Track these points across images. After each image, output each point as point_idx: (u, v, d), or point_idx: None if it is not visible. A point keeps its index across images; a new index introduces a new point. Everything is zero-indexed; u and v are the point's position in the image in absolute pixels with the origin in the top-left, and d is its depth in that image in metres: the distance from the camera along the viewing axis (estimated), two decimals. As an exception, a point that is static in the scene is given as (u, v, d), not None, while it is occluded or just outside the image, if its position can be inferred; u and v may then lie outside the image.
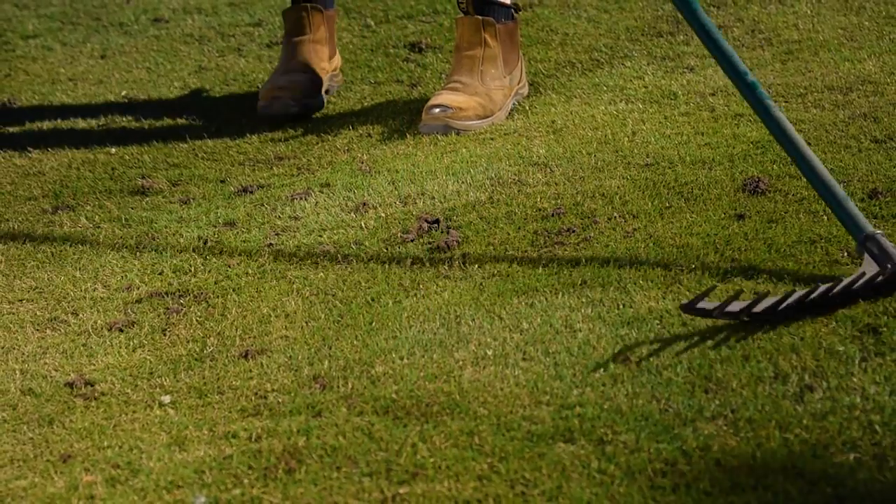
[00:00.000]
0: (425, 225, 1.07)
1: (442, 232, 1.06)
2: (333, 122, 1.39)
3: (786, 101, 1.26)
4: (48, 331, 0.97)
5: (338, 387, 0.83)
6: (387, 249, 1.04)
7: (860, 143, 1.13)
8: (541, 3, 1.66)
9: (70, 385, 0.88)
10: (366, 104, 1.44)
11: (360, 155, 1.27)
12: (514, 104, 1.34)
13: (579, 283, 0.93)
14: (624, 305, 0.88)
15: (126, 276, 1.06)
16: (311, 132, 1.36)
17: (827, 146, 1.14)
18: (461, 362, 0.84)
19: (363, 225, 1.10)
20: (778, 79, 1.33)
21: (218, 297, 0.99)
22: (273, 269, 1.04)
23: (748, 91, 0.89)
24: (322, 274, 1.01)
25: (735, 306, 0.82)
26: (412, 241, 1.05)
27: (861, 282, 0.83)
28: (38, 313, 1.00)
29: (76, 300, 1.02)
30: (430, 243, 1.04)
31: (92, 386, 0.88)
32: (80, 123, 1.47)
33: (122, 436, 0.80)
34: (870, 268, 0.85)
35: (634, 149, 1.18)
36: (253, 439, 0.78)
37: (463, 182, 1.16)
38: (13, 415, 0.85)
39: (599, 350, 0.83)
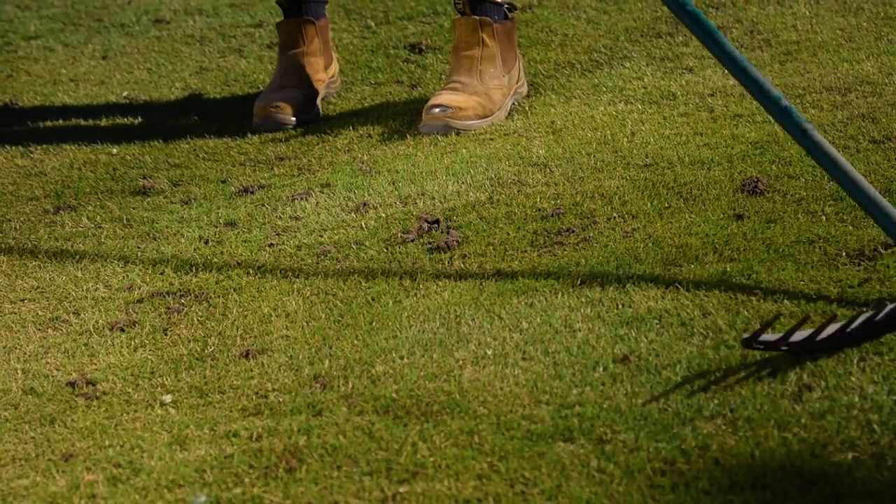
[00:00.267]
0: (425, 225, 1.07)
1: (442, 232, 1.06)
2: (334, 122, 1.39)
3: (785, 102, 1.27)
4: (50, 330, 0.98)
5: (338, 386, 0.83)
6: (387, 249, 1.04)
7: (858, 143, 1.14)
8: (540, 4, 1.66)
9: (72, 384, 0.88)
10: (366, 105, 1.44)
11: (360, 155, 1.28)
12: (513, 104, 1.35)
13: (579, 282, 0.93)
14: (623, 305, 0.88)
15: (127, 275, 1.06)
16: (312, 133, 1.37)
17: (825, 147, 1.14)
18: (461, 362, 0.84)
19: (363, 225, 1.10)
20: (777, 80, 1.33)
21: (219, 296, 1.00)
22: (274, 268, 1.04)
23: (784, 117, 0.88)
24: (323, 274, 1.01)
25: (798, 336, 0.78)
26: (412, 241, 1.05)
27: None
28: (39, 313, 1.01)
29: (78, 300, 1.02)
30: (430, 243, 1.04)
31: (93, 385, 0.88)
32: (82, 124, 1.47)
33: (124, 435, 0.81)
34: None
35: (633, 149, 1.19)
36: (254, 438, 0.78)
37: (463, 182, 1.16)
38: (15, 414, 0.85)
39: (599, 349, 0.83)
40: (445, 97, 1.29)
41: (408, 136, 1.31)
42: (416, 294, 0.95)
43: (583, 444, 0.74)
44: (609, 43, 1.50)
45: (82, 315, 0.99)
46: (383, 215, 1.11)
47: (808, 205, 1.02)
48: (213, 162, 1.32)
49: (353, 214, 1.13)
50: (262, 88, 1.50)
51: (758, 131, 1.19)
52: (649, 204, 1.06)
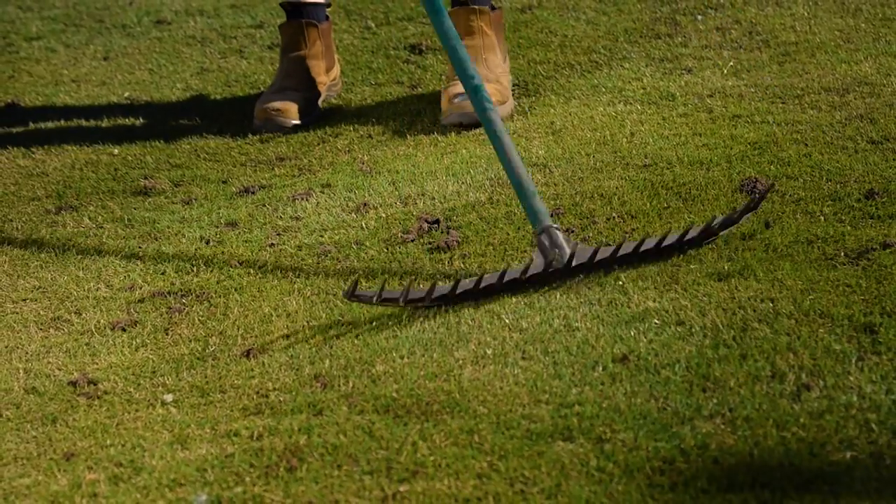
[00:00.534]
0: (425, 225, 1.08)
1: (442, 232, 1.07)
2: (334, 123, 1.39)
3: (783, 103, 1.27)
4: (51, 330, 0.98)
5: (339, 385, 0.83)
6: (387, 249, 1.05)
7: (857, 143, 1.14)
8: (540, 5, 1.67)
9: (73, 384, 0.89)
10: (366, 105, 1.44)
11: (360, 156, 1.28)
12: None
13: (578, 282, 0.93)
14: (622, 305, 0.88)
15: (129, 275, 1.06)
16: (312, 133, 1.37)
17: (824, 147, 1.14)
18: (461, 361, 0.84)
19: (364, 225, 1.10)
20: (775, 80, 1.33)
21: (220, 296, 1.00)
22: (274, 268, 1.04)
23: (473, 93, 0.94)
24: (323, 274, 1.02)
25: (394, 294, 0.88)
26: (412, 241, 1.06)
27: (529, 272, 0.89)
28: (41, 313, 1.01)
29: (79, 300, 1.02)
30: (430, 243, 1.04)
31: (95, 385, 0.88)
32: (84, 124, 1.47)
33: (125, 434, 0.81)
34: (538, 259, 0.91)
35: (633, 150, 1.19)
36: (254, 438, 0.78)
37: (463, 183, 1.17)
38: (17, 413, 0.86)
39: (598, 349, 0.84)
40: None
41: (408, 137, 1.31)
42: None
43: (582, 444, 0.74)
44: (608, 44, 1.51)
45: (84, 315, 0.99)
46: (383, 215, 1.12)
47: (806, 205, 1.02)
48: (214, 162, 1.32)
49: (353, 214, 1.13)
50: (262, 89, 1.50)
51: (756, 132, 1.20)
52: (648, 204, 1.06)
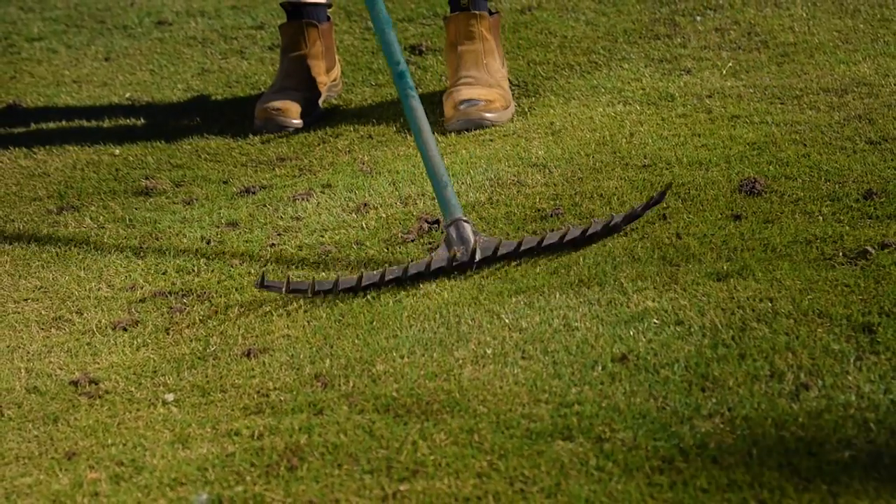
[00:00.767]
0: (425, 225, 1.08)
1: (442, 232, 1.07)
2: (335, 123, 1.40)
3: (782, 103, 1.27)
4: (53, 330, 0.98)
5: (339, 385, 0.84)
6: (387, 249, 1.05)
7: (855, 144, 1.14)
8: (539, 6, 1.67)
9: (74, 383, 0.89)
10: (367, 106, 1.44)
11: (361, 156, 1.28)
12: None
13: (577, 282, 0.93)
14: (621, 305, 0.89)
15: (130, 275, 1.06)
16: (313, 134, 1.37)
17: (822, 147, 1.15)
18: (461, 361, 0.85)
19: (364, 225, 1.11)
20: (774, 81, 1.34)
21: (221, 296, 1.00)
22: (275, 268, 1.04)
23: (398, 79, 0.95)
24: (324, 273, 1.02)
25: (302, 284, 0.91)
26: (412, 241, 1.06)
27: (434, 265, 0.92)
28: (43, 312, 1.01)
29: (81, 300, 1.03)
30: (430, 243, 1.05)
31: (96, 384, 0.89)
32: (85, 125, 1.48)
33: (126, 433, 0.81)
34: (443, 251, 0.93)
35: (632, 150, 1.19)
36: (255, 437, 0.79)
37: (463, 183, 1.17)
38: (18, 413, 0.86)
39: (597, 349, 0.84)
40: (470, 91, 1.29)
41: (408, 137, 1.31)
42: (416, 293, 0.96)
43: (582, 443, 0.74)
44: (608, 44, 1.51)
45: (85, 314, 1.00)
46: (384, 215, 1.12)
47: (805, 205, 1.02)
48: (215, 163, 1.32)
49: (353, 215, 1.14)
50: (263, 90, 1.51)
51: (755, 132, 1.20)
52: (648, 204, 1.07)
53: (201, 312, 0.98)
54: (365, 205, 1.15)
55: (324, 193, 1.19)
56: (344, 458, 0.75)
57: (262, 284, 0.90)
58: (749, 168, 1.11)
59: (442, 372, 0.83)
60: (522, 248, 0.93)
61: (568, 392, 0.79)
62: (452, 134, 1.31)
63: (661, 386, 0.79)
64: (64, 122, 1.49)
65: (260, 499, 0.72)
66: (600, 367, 0.82)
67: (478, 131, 1.30)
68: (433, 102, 1.41)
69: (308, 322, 0.94)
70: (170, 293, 1.02)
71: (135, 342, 0.94)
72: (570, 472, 0.71)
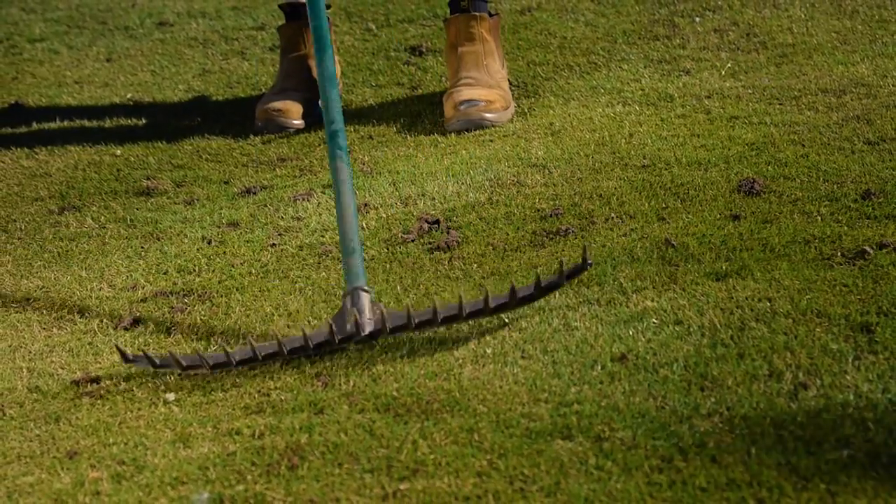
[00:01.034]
0: (426, 225, 1.08)
1: (442, 232, 1.07)
2: (335, 124, 1.41)
3: (780, 104, 1.27)
4: (55, 329, 0.98)
5: (339, 384, 0.84)
6: (388, 249, 1.05)
7: (853, 144, 1.14)
8: (539, 7, 1.67)
9: (76, 383, 0.89)
10: (367, 106, 1.45)
11: (361, 156, 1.28)
12: None
13: (577, 282, 0.94)
14: (621, 304, 0.89)
15: (131, 275, 1.07)
16: (313, 134, 1.37)
17: (821, 148, 1.15)
18: (461, 360, 0.85)
19: (364, 225, 1.11)
20: (773, 81, 1.34)
21: (222, 296, 1.00)
22: (276, 268, 1.05)
23: (329, 138, 0.90)
24: (324, 273, 1.02)
25: (170, 361, 0.84)
26: (413, 241, 1.06)
27: (312, 340, 0.85)
28: (44, 312, 1.02)
29: (82, 299, 1.03)
30: (430, 243, 1.05)
31: (98, 384, 0.89)
32: (86, 125, 1.48)
33: (128, 433, 0.81)
34: (339, 320, 0.85)
35: (631, 150, 1.20)
36: (256, 436, 0.79)
37: (463, 183, 1.17)
38: (20, 412, 0.86)
39: (597, 348, 0.84)
40: (470, 92, 1.29)
41: (408, 138, 1.32)
42: (416, 293, 0.96)
43: (581, 442, 0.74)
44: (607, 45, 1.51)
45: (86, 314, 1.00)
46: (384, 216, 1.12)
47: (803, 205, 1.02)
48: (216, 163, 1.32)
49: (354, 215, 1.14)
50: (264, 90, 1.51)
51: (754, 133, 1.20)
52: (647, 204, 1.07)
53: (202, 312, 0.98)
54: (365, 205, 1.15)
55: (324, 193, 1.19)
56: (344, 458, 0.75)
57: (126, 360, 0.85)
58: (748, 168, 1.12)
59: (442, 371, 0.84)
60: (416, 321, 0.84)
61: (567, 391, 0.80)
62: (452, 134, 1.31)
63: (661, 385, 0.79)
64: (65, 123, 1.49)
65: (261, 498, 0.73)
66: (600, 367, 0.82)
67: (478, 132, 1.31)
68: (433, 103, 1.42)
69: (309, 321, 0.94)
70: (171, 293, 1.02)
71: (136, 342, 0.95)
72: (569, 471, 0.72)
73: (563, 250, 1.00)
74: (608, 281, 0.93)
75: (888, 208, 1.00)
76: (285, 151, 1.33)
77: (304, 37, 1.42)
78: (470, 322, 0.86)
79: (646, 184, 1.11)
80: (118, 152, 1.39)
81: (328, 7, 1.49)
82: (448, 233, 1.07)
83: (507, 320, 0.89)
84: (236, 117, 1.45)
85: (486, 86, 1.31)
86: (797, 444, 0.72)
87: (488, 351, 0.86)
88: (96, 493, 0.75)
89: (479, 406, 0.79)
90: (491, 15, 1.37)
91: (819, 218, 1.00)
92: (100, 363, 0.92)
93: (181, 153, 1.36)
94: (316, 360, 0.88)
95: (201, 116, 1.47)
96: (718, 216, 1.02)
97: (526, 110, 1.35)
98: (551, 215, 1.07)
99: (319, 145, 1.34)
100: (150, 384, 0.88)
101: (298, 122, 1.38)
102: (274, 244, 1.10)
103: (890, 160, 1.10)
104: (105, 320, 0.99)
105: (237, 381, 0.87)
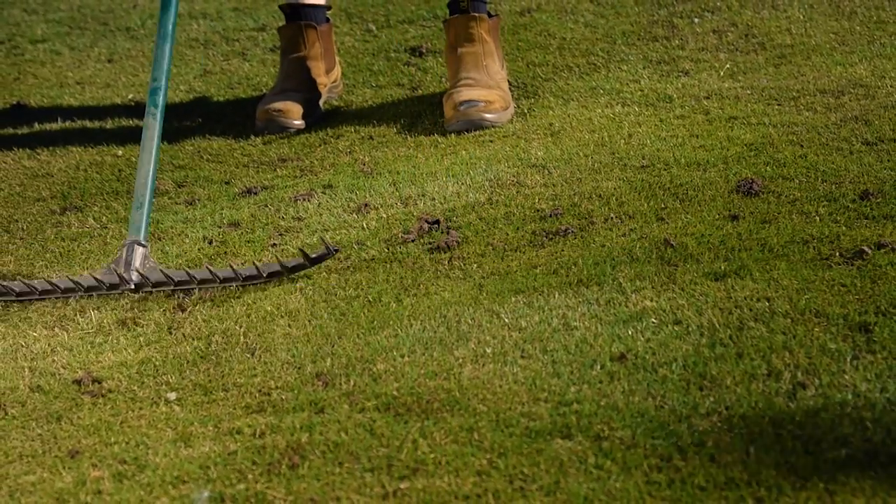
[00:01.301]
0: (426, 225, 1.09)
1: (442, 232, 1.07)
2: (335, 124, 1.40)
3: (779, 104, 1.28)
4: (56, 329, 0.99)
5: (340, 384, 0.84)
6: (388, 249, 1.06)
7: (852, 145, 1.15)
8: (539, 8, 1.68)
9: (78, 382, 0.89)
10: (367, 107, 1.45)
11: (361, 157, 1.29)
12: None
13: (576, 282, 0.94)
14: (620, 304, 0.89)
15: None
16: (314, 135, 1.38)
17: (819, 148, 1.15)
18: (461, 360, 0.85)
19: (365, 225, 1.11)
20: (771, 82, 1.34)
21: (223, 296, 1.01)
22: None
23: (149, 94, 0.95)
24: (324, 273, 1.02)
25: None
26: (413, 241, 1.06)
27: (83, 281, 0.95)
28: (46, 312, 1.02)
29: (84, 299, 1.03)
30: (430, 243, 1.05)
31: (99, 383, 0.89)
32: (88, 126, 1.48)
33: (129, 432, 0.82)
34: (109, 268, 0.96)
35: (630, 151, 1.20)
36: (257, 435, 0.79)
37: (463, 183, 1.17)
38: (22, 411, 0.87)
39: (596, 348, 0.84)
40: (470, 92, 1.29)
41: (408, 138, 1.32)
42: (416, 293, 0.96)
43: (580, 441, 0.75)
44: (606, 46, 1.52)
45: (88, 314, 1.00)
46: (384, 216, 1.13)
47: (802, 206, 1.03)
48: (217, 163, 1.33)
49: (354, 215, 1.14)
50: (265, 91, 1.51)
51: (752, 133, 1.21)
52: (646, 205, 1.07)
53: (203, 312, 0.98)
54: (366, 205, 1.16)
55: (325, 194, 1.20)
56: (345, 457, 0.76)
57: None
58: (746, 169, 1.12)
59: (442, 371, 0.84)
60: (177, 279, 0.94)
61: (567, 391, 0.80)
62: (452, 135, 1.31)
63: (660, 385, 0.79)
64: (67, 123, 1.49)
65: (261, 497, 0.73)
66: (599, 367, 0.82)
67: (477, 132, 1.31)
68: (433, 104, 1.42)
69: (309, 321, 0.94)
70: (172, 293, 1.03)
71: (137, 341, 0.95)
72: (568, 471, 0.72)
73: (563, 250, 1.00)
74: (607, 281, 0.93)
75: (886, 208, 1.00)
76: (286, 152, 1.34)
77: (304, 37, 1.42)
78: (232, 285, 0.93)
79: (645, 184, 1.11)
80: (120, 153, 1.39)
81: (328, 8, 1.49)
82: (448, 233, 1.07)
83: (507, 322, 0.89)
84: (237, 118, 1.46)
85: (486, 86, 1.32)
86: (795, 443, 0.72)
87: (488, 350, 0.86)
88: (98, 491, 0.75)
89: (478, 405, 0.79)
90: (490, 16, 1.38)
91: (817, 218, 1.00)
92: (101, 362, 0.93)
93: (182, 153, 1.36)
94: (317, 359, 0.88)
95: (202, 117, 1.47)
96: (717, 216, 1.03)
97: (525, 111, 1.35)
98: (551, 215, 1.08)
99: (320, 146, 1.35)
100: (151, 383, 0.88)
101: (299, 123, 1.38)
102: (275, 244, 1.10)
103: (888, 160, 1.10)
104: (106, 320, 0.99)
105: (238, 380, 0.87)
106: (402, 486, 0.72)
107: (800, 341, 0.82)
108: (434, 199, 1.15)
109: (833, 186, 1.06)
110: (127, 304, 1.02)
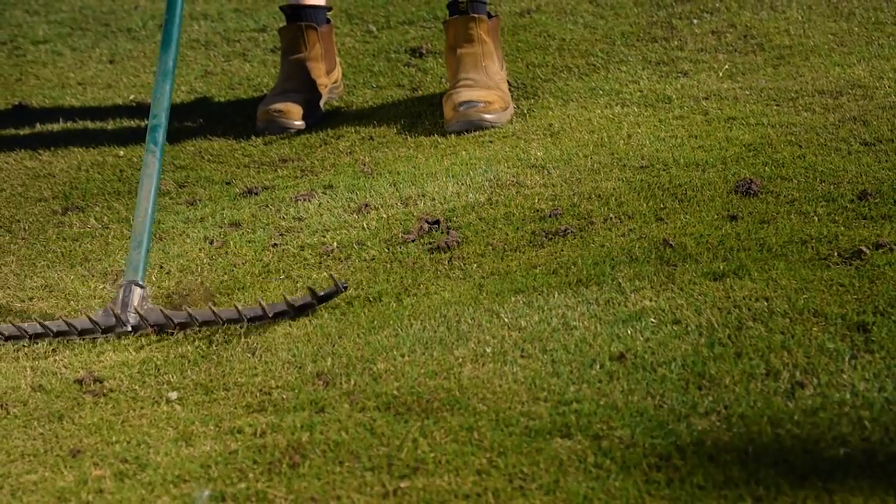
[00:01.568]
0: (426, 225, 1.09)
1: (442, 232, 1.08)
2: (336, 125, 1.41)
3: (777, 105, 1.28)
4: (58, 329, 1.00)
5: (340, 383, 0.85)
6: (388, 249, 1.06)
7: (850, 145, 1.15)
8: (538, 9, 1.68)
9: (79, 382, 0.90)
10: (368, 108, 1.45)
11: (362, 157, 1.29)
12: None
13: (576, 282, 0.94)
14: (619, 304, 0.90)
15: (133, 275, 1.08)
16: (314, 135, 1.38)
17: (818, 149, 1.15)
18: (461, 359, 0.85)
19: (365, 225, 1.12)
20: (770, 83, 1.35)
21: (224, 295, 1.01)
22: (277, 268, 1.05)
23: (148, 132, 0.92)
24: (325, 273, 1.03)
25: None
26: (413, 241, 1.07)
27: (79, 325, 0.91)
28: (48, 311, 1.02)
29: (85, 299, 1.04)
30: (430, 243, 1.06)
31: (101, 383, 0.89)
32: (90, 126, 1.49)
33: (130, 431, 0.82)
34: (105, 309, 0.91)
35: (630, 151, 1.20)
36: (258, 434, 0.79)
37: (462, 184, 1.18)
38: (24, 411, 0.87)
39: (596, 347, 0.85)
40: (470, 93, 1.30)
41: (409, 139, 1.33)
42: (416, 293, 0.96)
43: (580, 441, 0.75)
44: (605, 47, 1.52)
45: (90, 314, 1.01)
46: (384, 216, 1.13)
47: (800, 206, 1.03)
48: (218, 164, 1.33)
49: (354, 215, 1.14)
50: (265, 92, 1.52)
51: (751, 134, 1.21)
52: (645, 205, 1.07)
53: (204, 312, 0.99)
54: (366, 205, 1.16)
55: (325, 194, 1.20)
56: (345, 456, 0.76)
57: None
58: (745, 169, 1.12)
59: (442, 370, 0.84)
60: (178, 321, 0.90)
61: (566, 390, 0.80)
62: (452, 135, 1.32)
63: (659, 384, 0.80)
64: (69, 124, 1.50)
65: (262, 495, 0.73)
66: (598, 366, 0.83)
67: (477, 133, 1.31)
68: (433, 104, 1.42)
69: (310, 321, 0.94)
70: (174, 292, 1.03)
71: (139, 341, 0.95)
72: (568, 470, 0.72)
73: (563, 250, 1.00)
74: (607, 281, 0.94)
75: (884, 209, 1.01)
76: (286, 152, 1.34)
77: (304, 38, 1.42)
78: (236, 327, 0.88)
79: (644, 184, 1.12)
80: (121, 153, 1.39)
81: (329, 10, 1.50)
82: (448, 233, 1.07)
83: (507, 321, 0.89)
84: (238, 118, 1.46)
85: (485, 87, 1.32)
86: (794, 442, 0.73)
87: (488, 350, 0.86)
88: (99, 490, 0.76)
89: (478, 405, 0.80)
90: (490, 17, 1.38)
91: (816, 218, 1.00)
92: (103, 362, 0.93)
93: (183, 154, 1.37)
94: (318, 359, 0.88)
95: (203, 118, 1.48)
96: (716, 216, 1.03)
97: (525, 111, 1.35)
98: (550, 216, 1.08)
99: (321, 146, 1.35)
100: (153, 383, 0.88)
101: (299, 123, 1.39)
102: (275, 244, 1.11)
103: (886, 161, 1.10)
104: (108, 320, 0.99)
105: (239, 380, 0.87)
106: (402, 484, 0.72)
107: (798, 341, 0.83)
108: (434, 199, 1.15)
109: (831, 187, 1.06)
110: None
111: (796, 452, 0.72)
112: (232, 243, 1.12)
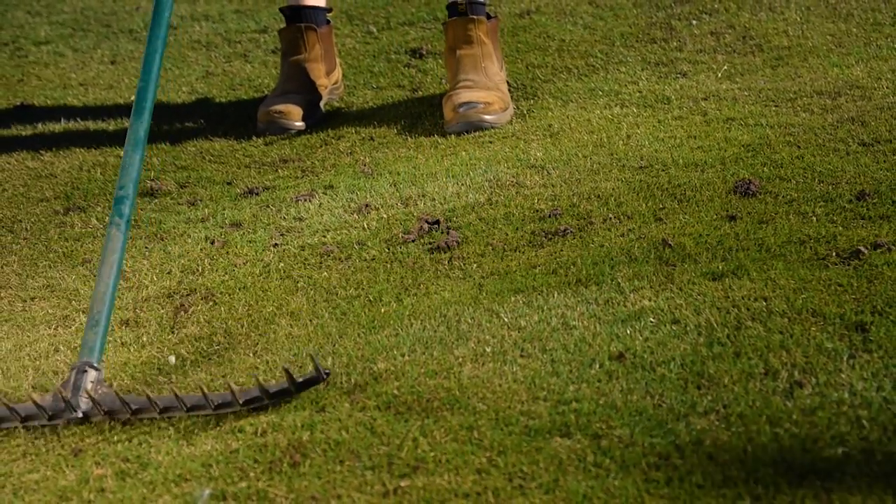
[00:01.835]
0: (426, 226, 1.09)
1: (442, 232, 1.08)
2: (336, 125, 1.41)
3: (776, 106, 1.28)
4: (60, 328, 0.99)
5: (341, 383, 0.85)
6: (388, 249, 1.06)
7: (848, 146, 1.15)
8: (538, 10, 1.68)
9: (81, 382, 0.90)
10: (368, 108, 1.46)
11: (362, 158, 1.29)
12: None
13: (575, 282, 0.95)
14: (619, 304, 0.90)
15: (135, 275, 1.08)
16: (315, 136, 1.38)
17: (816, 149, 1.16)
18: (461, 359, 0.86)
19: (365, 226, 1.12)
20: (768, 84, 1.35)
21: (225, 295, 1.01)
22: (278, 268, 1.06)
23: (114, 203, 0.82)
24: (326, 273, 1.03)
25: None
26: (413, 241, 1.07)
27: (22, 411, 0.81)
28: (50, 311, 1.02)
29: (87, 299, 1.04)
30: (430, 243, 1.06)
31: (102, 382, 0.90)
32: (91, 127, 1.49)
33: (132, 431, 0.82)
34: (54, 394, 0.81)
35: (629, 152, 1.21)
36: (258, 434, 0.80)
37: (462, 184, 1.18)
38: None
39: (595, 347, 0.85)
40: (469, 94, 1.30)
41: (409, 139, 1.33)
42: (416, 293, 0.97)
43: (579, 440, 0.75)
44: (605, 48, 1.52)
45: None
46: (385, 216, 1.13)
47: (799, 206, 1.03)
48: (219, 164, 1.33)
49: (355, 215, 1.15)
50: (266, 93, 1.52)
51: (750, 134, 1.21)
52: (644, 205, 1.08)
53: (205, 311, 0.99)
54: (366, 205, 1.16)
55: (326, 194, 1.20)
56: (345, 455, 0.76)
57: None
58: (744, 169, 1.12)
59: (442, 370, 0.84)
60: (135, 407, 0.80)
61: (566, 390, 0.80)
62: (452, 136, 1.32)
63: (658, 384, 0.80)
64: (70, 124, 1.50)
65: (263, 495, 0.73)
66: (598, 366, 0.83)
67: (477, 133, 1.32)
68: (433, 105, 1.43)
69: (310, 321, 0.95)
70: (174, 293, 1.03)
71: (140, 340, 0.96)
72: (567, 469, 0.72)
73: (562, 250, 1.00)
74: (606, 280, 0.94)
75: (882, 209, 1.01)
76: (287, 153, 1.34)
77: (304, 39, 1.43)
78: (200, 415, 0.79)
79: (643, 185, 1.12)
80: (122, 153, 1.40)
81: (329, 11, 1.50)
82: (448, 233, 1.07)
83: (506, 321, 0.90)
84: (239, 119, 1.46)
85: (485, 88, 1.32)
86: (793, 441, 0.73)
87: (488, 349, 0.86)
88: (101, 489, 0.76)
89: (478, 404, 0.80)
90: (489, 18, 1.38)
91: (814, 218, 1.00)
92: (104, 362, 0.93)
93: (184, 154, 1.37)
94: (318, 358, 0.88)
95: (204, 118, 1.48)
96: (715, 217, 1.03)
97: (525, 112, 1.36)
98: (550, 216, 1.08)
99: (321, 147, 1.35)
100: (153, 382, 0.89)
101: (300, 124, 1.39)
102: (276, 244, 1.11)
103: (884, 161, 1.11)
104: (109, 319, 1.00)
105: (240, 379, 0.88)
106: (402, 483, 0.73)
107: (797, 340, 0.83)
108: (434, 199, 1.16)
109: (830, 187, 1.07)
110: (129, 304, 1.02)
111: (795, 451, 0.72)
112: (233, 243, 1.12)
